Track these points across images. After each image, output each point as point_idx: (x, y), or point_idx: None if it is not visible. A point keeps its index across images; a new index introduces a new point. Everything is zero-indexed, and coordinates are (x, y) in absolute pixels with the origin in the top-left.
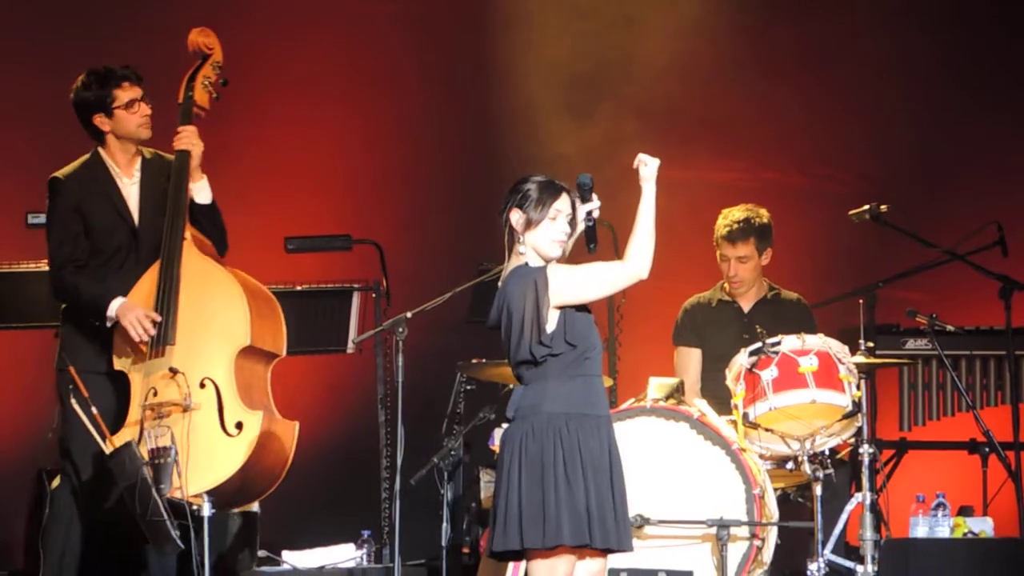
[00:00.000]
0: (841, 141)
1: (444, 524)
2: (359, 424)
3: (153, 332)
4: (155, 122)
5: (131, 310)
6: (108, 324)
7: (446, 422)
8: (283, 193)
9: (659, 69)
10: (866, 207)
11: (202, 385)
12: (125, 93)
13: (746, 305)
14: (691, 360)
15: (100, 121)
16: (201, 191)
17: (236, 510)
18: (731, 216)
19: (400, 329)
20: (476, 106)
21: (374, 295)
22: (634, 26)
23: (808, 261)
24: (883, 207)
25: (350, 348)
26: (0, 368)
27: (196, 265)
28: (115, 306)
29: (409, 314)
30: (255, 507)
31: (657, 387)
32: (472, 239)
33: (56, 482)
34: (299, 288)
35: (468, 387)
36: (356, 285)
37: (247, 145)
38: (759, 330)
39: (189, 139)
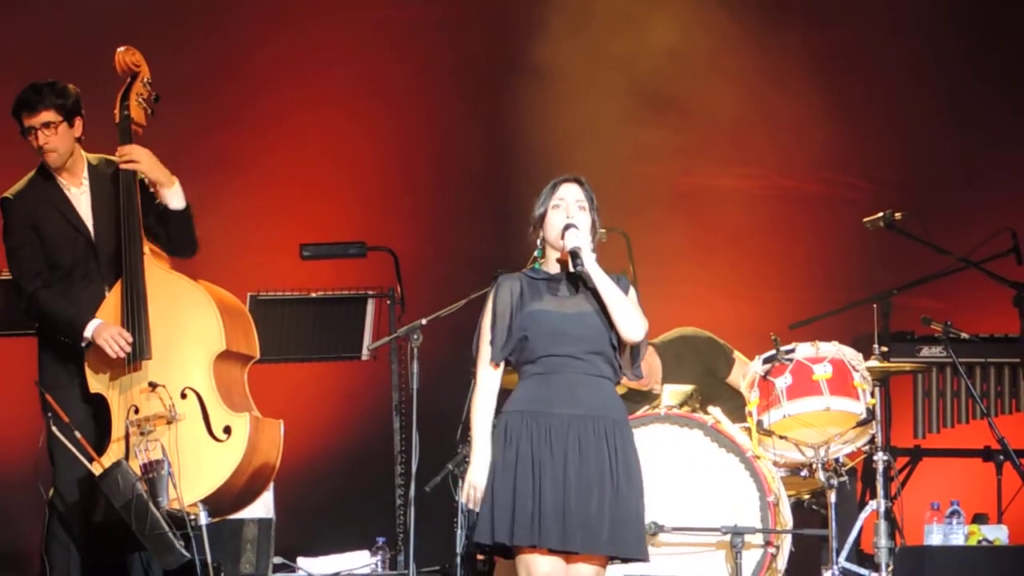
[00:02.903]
0: (856, 149)
1: (458, 531)
2: (374, 431)
3: (128, 349)
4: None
5: (106, 328)
6: (83, 344)
7: (461, 429)
8: (298, 201)
9: (674, 75)
10: (880, 214)
11: (184, 395)
12: (25, 121)
13: None
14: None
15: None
16: (174, 196)
17: (250, 516)
18: None
19: (415, 336)
20: (491, 112)
21: (389, 302)
22: (648, 32)
23: (822, 268)
24: (897, 214)
25: (365, 355)
26: (14, 374)
27: (159, 277)
28: (91, 327)
29: (424, 321)
30: (270, 514)
31: (671, 394)
32: (487, 246)
33: (51, 493)
34: (314, 295)
35: None
36: (371, 292)
37: (264, 153)
38: (773, 336)
39: (131, 157)
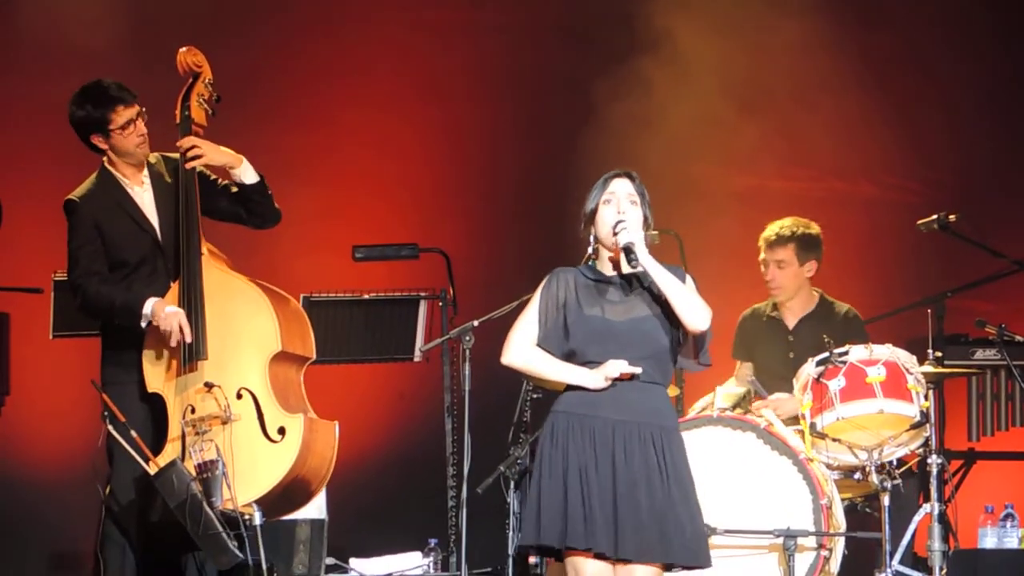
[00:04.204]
0: (909, 151)
1: (510, 532)
2: (426, 432)
3: (189, 337)
4: (162, 135)
5: (165, 306)
6: (143, 324)
7: (512, 430)
8: (351, 202)
9: (727, 77)
10: (934, 216)
11: (239, 396)
12: (120, 116)
13: (791, 321)
14: (744, 374)
15: (98, 141)
16: (246, 172)
17: (303, 517)
18: (776, 223)
19: (467, 337)
20: (545, 114)
21: (441, 304)
22: (699, 34)
23: (876, 271)
24: (951, 216)
25: (417, 356)
26: (75, 375)
27: (217, 278)
28: (150, 303)
29: (476, 322)
30: (323, 514)
31: (724, 397)
32: (539, 247)
33: (108, 491)
34: (367, 296)
35: (534, 395)
36: (423, 293)
37: (318, 154)
38: (827, 339)
39: (194, 151)
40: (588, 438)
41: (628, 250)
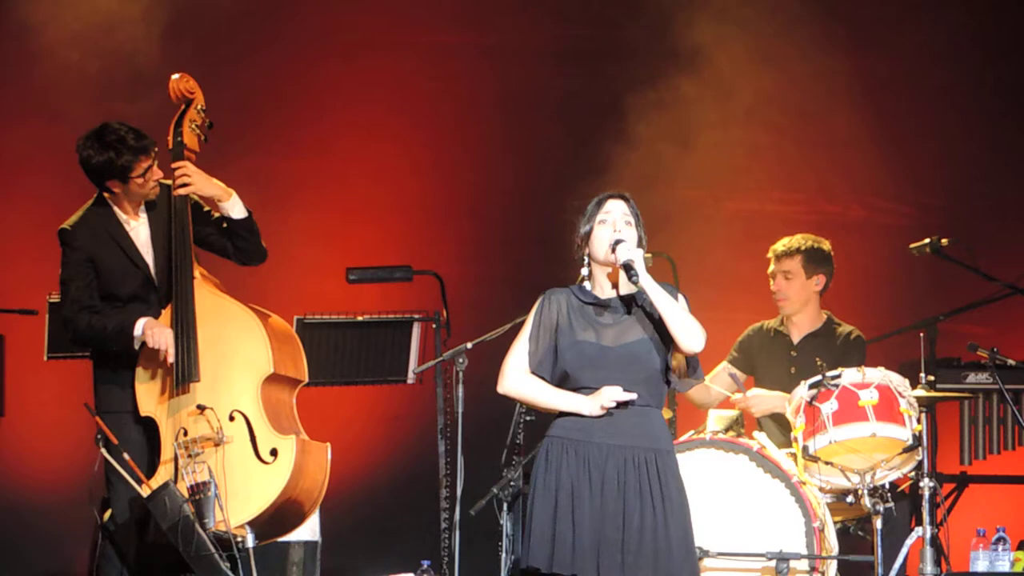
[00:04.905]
0: (899, 174)
1: (503, 555)
2: (419, 454)
3: (171, 359)
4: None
5: (156, 325)
6: (136, 345)
7: (505, 452)
8: (345, 225)
9: (717, 99)
10: (927, 240)
11: (231, 418)
12: (142, 165)
13: (796, 336)
14: (721, 377)
15: (113, 185)
16: (234, 207)
17: (296, 539)
18: (787, 237)
19: (460, 359)
20: (537, 137)
21: (434, 325)
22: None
23: (868, 294)
24: (944, 240)
25: (410, 378)
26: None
27: (209, 301)
28: (141, 322)
29: (469, 344)
30: (316, 536)
31: (717, 419)
32: (532, 270)
33: (108, 515)
34: (360, 318)
35: (528, 418)
36: (416, 316)
37: (311, 178)
38: (819, 363)
39: (184, 178)
40: (583, 463)
41: (628, 267)
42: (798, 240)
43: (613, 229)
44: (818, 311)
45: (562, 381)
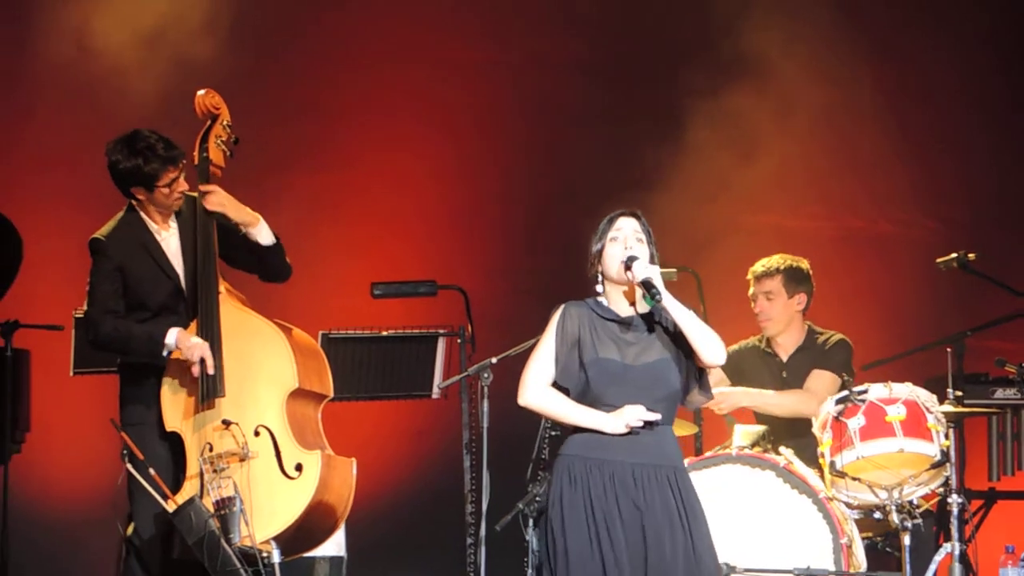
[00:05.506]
0: (927, 188)
1: (529, 570)
2: (444, 469)
3: (211, 370)
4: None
5: (194, 341)
6: (164, 353)
7: (531, 468)
8: (369, 240)
9: (745, 114)
10: (954, 255)
11: (256, 433)
12: (169, 175)
13: (784, 355)
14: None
15: (138, 192)
16: (261, 233)
17: (322, 554)
18: (765, 258)
19: (485, 374)
20: (561, 149)
21: (459, 340)
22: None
23: (895, 310)
24: (971, 255)
25: (435, 393)
26: (94, 412)
27: (234, 316)
28: (173, 332)
29: (494, 359)
30: (342, 552)
31: (743, 435)
32: (557, 285)
33: (130, 530)
34: (385, 334)
35: (553, 432)
36: (441, 330)
37: (335, 193)
38: (845, 377)
39: (219, 200)
40: (609, 481)
41: (648, 284)
42: (776, 260)
43: (624, 246)
44: (801, 327)
45: (582, 396)
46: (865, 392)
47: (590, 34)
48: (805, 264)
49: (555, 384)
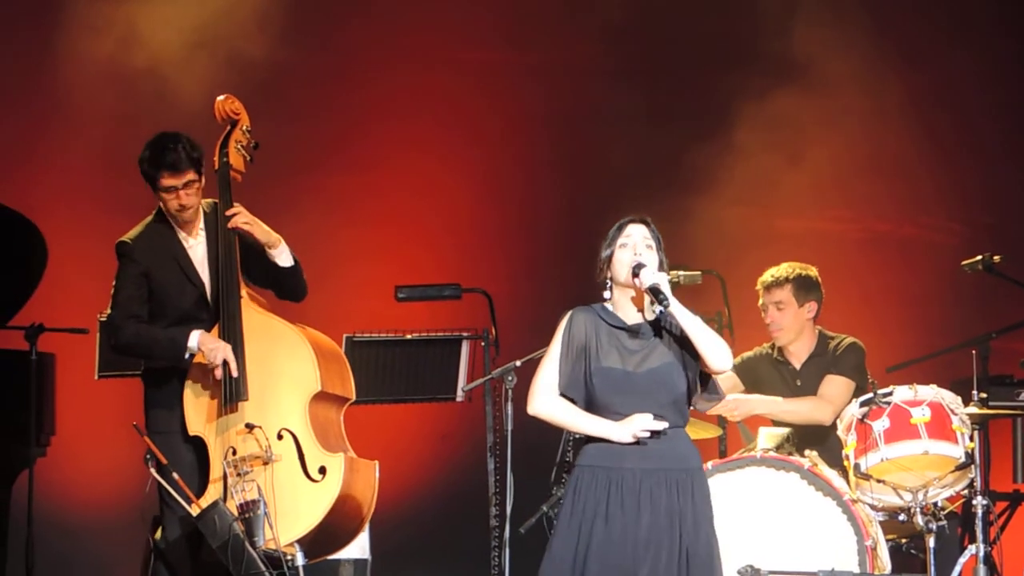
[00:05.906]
0: (952, 192)
1: None
2: (468, 472)
3: (235, 372)
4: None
5: (213, 340)
6: (186, 356)
7: (555, 471)
8: (393, 243)
9: (769, 119)
10: (979, 257)
11: (280, 436)
12: (166, 181)
13: (797, 364)
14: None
15: (153, 191)
16: (281, 255)
17: (346, 557)
18: (773, 268)
19: (509, 377)
20: (585, 153)
21: (483, 343)
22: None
23: (920, 312)
24: (996, 257)
25: (459, 396)
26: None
27: (256, 320)
28: (196, 335)
29: (518, 363)
30: (366, 554)
31: (767, 437)
32: (581, 288)
33: (159, 534)
34: (409, 337)
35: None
36: (465, 334)
37: (359, 195)
38: (871, 380)
39: (245, 220)
40: (616, 487)
41: (656, 290)
42: (785, 269)
43: (634, 252)
44: (812, 335)
45: (590, 404)
46: (890, 394)
47: (619, 41)
48: (814, 272)
49: (565, 393)
